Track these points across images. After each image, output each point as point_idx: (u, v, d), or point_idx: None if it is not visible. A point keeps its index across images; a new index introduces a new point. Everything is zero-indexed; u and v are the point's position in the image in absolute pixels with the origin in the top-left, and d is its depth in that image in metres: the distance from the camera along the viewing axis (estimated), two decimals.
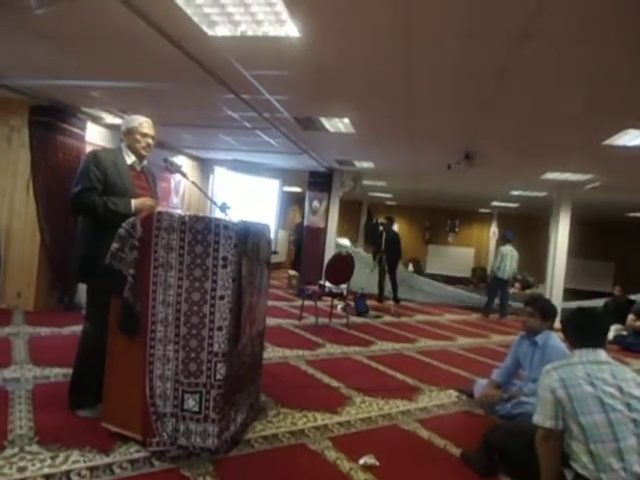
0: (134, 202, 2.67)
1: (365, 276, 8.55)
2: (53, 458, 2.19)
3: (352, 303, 7.06)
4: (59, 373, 3.30)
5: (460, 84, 3.61)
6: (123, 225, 2.35)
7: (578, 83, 3.35)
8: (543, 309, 3.27)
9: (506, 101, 3.90)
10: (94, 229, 2.65)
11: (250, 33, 2.97)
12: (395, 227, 10.81)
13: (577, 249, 9.27)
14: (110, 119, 5.74)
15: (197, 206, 8.42)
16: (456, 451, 2.70)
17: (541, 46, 2.80)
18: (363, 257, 9.53)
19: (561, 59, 2.97)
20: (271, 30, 2.91)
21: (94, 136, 5.77)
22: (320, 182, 8.87)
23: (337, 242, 9.99)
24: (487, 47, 2.90)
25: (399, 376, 4.12)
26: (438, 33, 2.78)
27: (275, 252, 10.30)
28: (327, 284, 6.31)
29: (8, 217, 5.30)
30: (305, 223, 9.14)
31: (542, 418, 2.07)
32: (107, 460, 2.22)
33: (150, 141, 2.88)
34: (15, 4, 2.10)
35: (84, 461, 2.19)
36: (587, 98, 3.63)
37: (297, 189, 12.48)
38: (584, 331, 2.21)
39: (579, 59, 2.94)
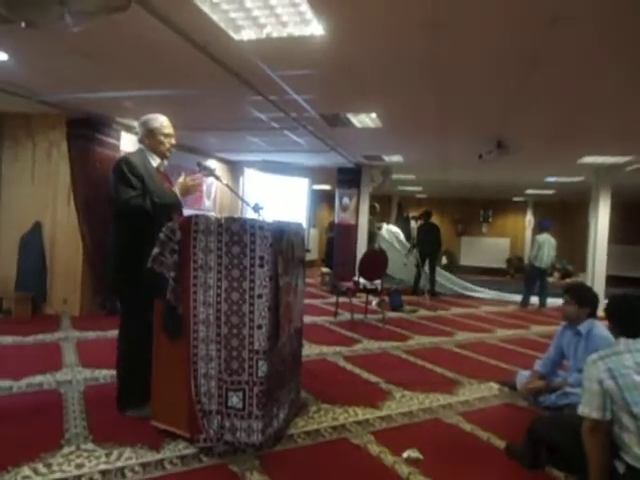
0: (176, 187, 2.79)
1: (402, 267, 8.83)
2: (107, 455, 2.30)
3: (387, 298, 7.03)
4: (107, 375, 3.44)
5: (491, 72, 3.55)
6: (163, 230, 2.43)
7: (613, 64, 3.23)
8: (579, 296, 3.18)
9: (539, 86, 3.79)
10: (127, 244, 2.70)
11: (275, 35, 3.00)
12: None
13: (619, 234, 8.94)
14: None
15: (229, 208, 8.56)
16: (500, 444, 2.67)
17: (574, 29, 2.72)
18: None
19: (594, 41, 2.88)
20: (296, 30, 2.94)
21: (128, 145, 5.94)
22: (349, 178, 8.88)
23: (388, 229, 10.09)
24: (518, 32, 2.84)
25: (438, 370, 4.09)
26: (467, 22, 2.74)
27: (307, 250, 10.36)
28: (361, 280, 6.31)
29: (52, 227, 5.54)
30: (336, 220, 9.17)
31: (589, 409, 2.02)
32: (158, 456, 2.31)
33: (173, 141, 2.90)
34: (52, 24, 2.21)
35: (136, 458, 2.29)
36: (623, 77, 3.50)
37: (326, 187, 12.50)
38: (630, 320, 2.14)
39: (613, 40, 2.84)
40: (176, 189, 2.82)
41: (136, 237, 2.65)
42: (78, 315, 5.41)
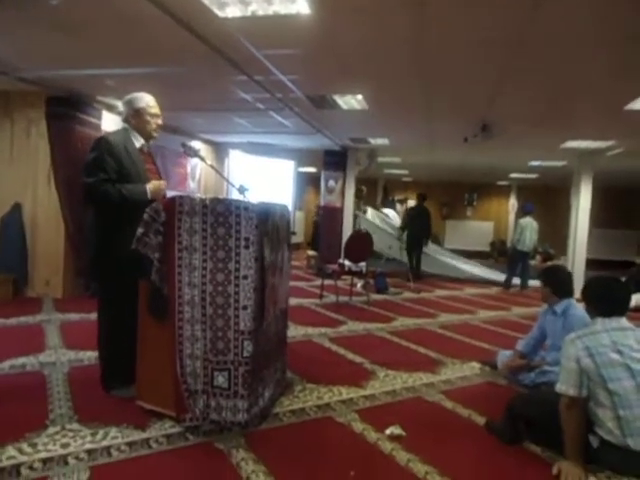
0: (148, 187, 2.69)
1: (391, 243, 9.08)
2: (93, 435, 2.30)
3: (372, 281, 7.09)
4: (92, 356, 3.41)
5: (476, 53, 3.54)
6: (147, 210, 2.40)
7: (597, 47, 3.26)
8: (544, 277, 3.33)
9: (523, 68, 3.81)
10: (106, 229, 2.67)
11: (261, 12, 2.95)
12: (410, 203, 10.85)
13: (599, 218, 9.10)
14: None
15: (214, 189, 8.49)
16: (481, 420, 2.73)
17: (557, 10, 2.72)
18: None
19: (578, 23, 2.89)
20: (282, 8, 2.89)
21: (110, 124, 5.82)
22: (335, 161, 8.84)
23: (383, 212, 10.19)
24: (502, 14, 2.83)
25: (421, 350, 4.17)
26: (452, 2, 2.72)
27: (293, 233, 10.35)
28: (346, 262, 6.34)
29: (32, 208, 5.43)
30: (322, 203, 9.16)
31: (566, 386, 2.09)
32: (144, 435, 2.32)
33: (160, 121, 2.86)
34: None
35: (122, 437, 2.29)
36: (606, 62, 3.53)
37: (312, 169, 12.45)
38: (605, 299, 2.21)
39: (596, 22, 2.85)
40: (148, 186, 2.69)
41: (114, 220, 2.63)
42: (61, 297, 5.36)
